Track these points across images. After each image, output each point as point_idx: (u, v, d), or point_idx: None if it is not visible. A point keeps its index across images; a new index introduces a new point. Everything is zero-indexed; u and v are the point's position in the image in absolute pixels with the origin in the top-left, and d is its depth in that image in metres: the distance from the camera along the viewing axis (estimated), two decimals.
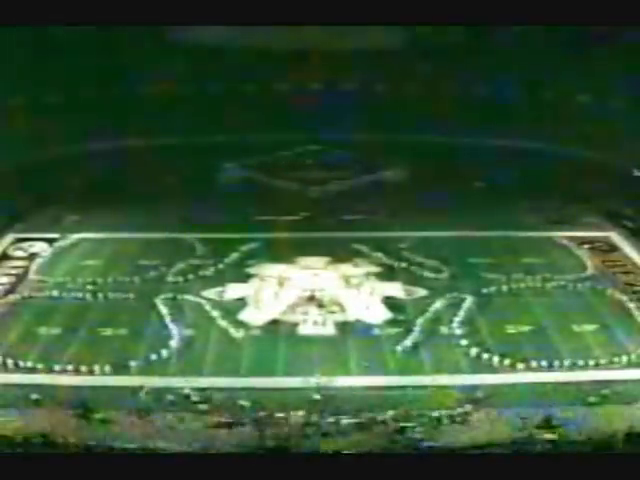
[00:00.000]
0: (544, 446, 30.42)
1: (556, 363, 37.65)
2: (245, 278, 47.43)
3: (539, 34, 65.42)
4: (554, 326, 41.71)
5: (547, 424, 32.13)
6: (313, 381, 35.65)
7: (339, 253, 50.31)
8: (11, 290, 45.67)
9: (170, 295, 44.70)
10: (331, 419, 33.14)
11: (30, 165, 61.18)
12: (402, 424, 32.80)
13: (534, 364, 37.54)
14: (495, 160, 64.79)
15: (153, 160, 65.46)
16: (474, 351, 38.87)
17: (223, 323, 41.50)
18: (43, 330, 40.99)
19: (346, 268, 48.34)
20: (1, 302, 43.95)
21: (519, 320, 42.15)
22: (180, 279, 47.07)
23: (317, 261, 49.15)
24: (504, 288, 46.16)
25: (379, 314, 42.95)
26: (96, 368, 36.89)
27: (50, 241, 53.00)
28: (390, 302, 44.31)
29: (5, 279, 47.20)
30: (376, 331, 41.27)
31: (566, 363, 37.71)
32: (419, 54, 73.92)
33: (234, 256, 50.44)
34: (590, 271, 48.70)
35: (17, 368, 37.18)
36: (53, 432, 30.51)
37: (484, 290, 45.59)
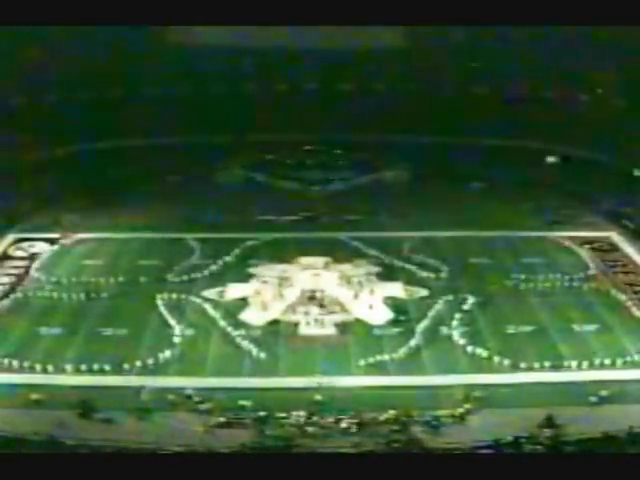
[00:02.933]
0: (545, 446, 30.41)
1: (556, 363, 37.73)
2: (245, 278, 47.48)
3: (539, 34, 65.31)
4: (554, 326, 41.78)
5: (547, 424, 32.15)
6: (314, 381, 35.68)
7: (339, 253, 50.46)
8: (12, 290, 45.71)
9: (170, 295, 44.73)
10: (331, 419, 33.20)
11: (30, 165, 61.19)
12: (402, 424, 32.85)
13: (534, 364, 37.59)
14: (495, 160, 64.85)
15: (153, 160, 65.51)
16: (474, 351, 38.91)
17: (224, 323, 41.54)
18: (44, 330, 41.06)
19: (346, 268, 48.43)
20: (2, 302, 43.97)
21: (519, 320, 42.21)
22: (180, 279, 47.10)
23: (317, 261, 49.22)
24: (504, 288, 46.22)
25: (380, 314, 42.99)
26: (96, 368, 36.95)
27: (50, 241, 53.08)
28: (391, 302, 44.37)
29: (6, 279, 47.25)
30: (377, 331, 41.34)
31: (566, 363, 37.78)
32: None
33: (234, 256, 50.50)
34: (590, 271, 48.73)
35: (18, 368, 37.22)
36: (54, 432, 30.51)
37: (484, 290, 45.64)
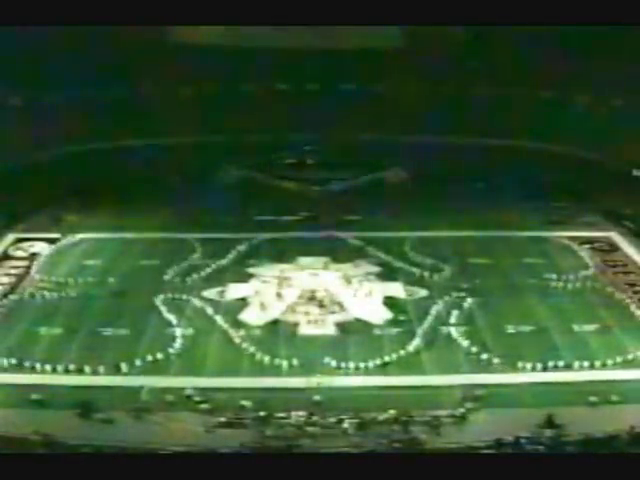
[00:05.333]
0: (545, 446, 30.41)
1: (556, 363, 37.71)
2: (245, 278, 47.47)
3: (538, 34, 65.26)
4: (554, 326, 41.76)
5: (548, 424, 32.15)
6: (314, 381, 35.68)
7: (339, 253, 50.47)
8: (12, 290, 45.71)
9: (170, 295, 44.74)
10: (332, 419, 33.18)
11: (30, 165, 61.17)
12: (402, 424, 32.84)
13: (534, 364, 37.57)
14: (495, 160, 64.83)
15: (153, 160, 65.50)
16: (474, 351, 38.90)
17: (224, 323, 41.54)
18: (44, 330, 41.03)
19: (346, 268, 48.43)
20: (2, 302, 43.97)
21: (519, 320, 42.21)
22: (180, 279, 47.10)
23: (317, 261, 49.22)
24: (504, 288, 46.21)
25: (380, 314, 42.98)
26: (97, 368, 36.94)
27: (50, 241, 53.07)
28: (391, 302, 44.37)
29: (6, 279, 47.24)
30: (377, 331, 41.33)
31: (566, 363, 37.75)
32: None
33: (234, 256, 50.51)
34: (590, 271, 48.74)
35: (18, 368, 37.21)
36: (53, 432, 30.51)
37: (484, 290, 45.65)
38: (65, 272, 48.37)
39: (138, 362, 37.57)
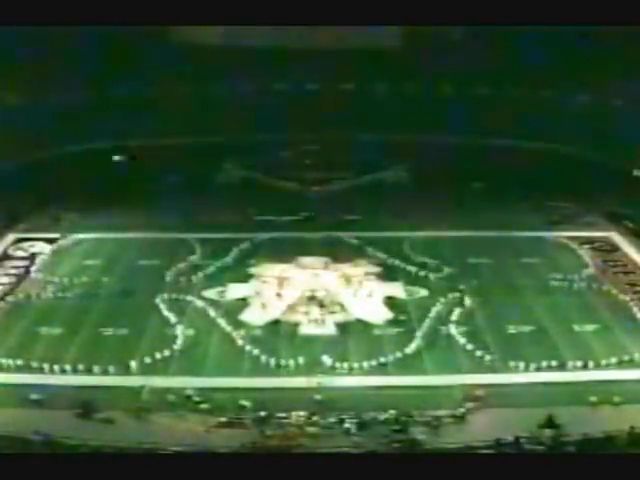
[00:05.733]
0: (545, 446, 30.41)
1: (556, 363, 37.70)
2: (245, 278, 47.48)
3: (538, 33, 65.21)
4: (554, 326, 41.74)
5: (548, 424, 32.14)
6: (314, 381, 35.67)
7: (339, 253, 50.49)
8: (12, 290, 45.70)
9: (170, 295, 44.73)
10: (332, 419, 33.18)
11: (30, 165, 61.17)
12: (402, 424, 32.84)
13: (534, 364, 37.56)
14: (495, 160, 64.85)
15: (153, 160, 65.48)
16: (474, 351, 38.89)
17: (224, 323, 41.54)
18: (44, 330, 41.04)
19: (346, 268, 48.43)
20: (2, 302, 43.96)
21: (519, 320, 42.21)
22: (180, 279, 47.10)
23: (317, 261, 49.22)
24: (504, 288, 46.20)
25: (380, 314, 42.98)
26: (97, 368, 36.94)
27: (50, 241, 53.08)
28: (391, 302, 44.37)
29: (6, 279, 47.24)
30: (377, 331, 41.32)
31: (566, 363, 37.73)
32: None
33: (234, 256, 50.52)
34: (590, 271, 48.74)
35: (18, 368, 37.20)
36: (53, 432, 30.50)
37: (484, 290, 45.64)
38: (65, 272, 48.37)
39: (138, 362, 37.53)
